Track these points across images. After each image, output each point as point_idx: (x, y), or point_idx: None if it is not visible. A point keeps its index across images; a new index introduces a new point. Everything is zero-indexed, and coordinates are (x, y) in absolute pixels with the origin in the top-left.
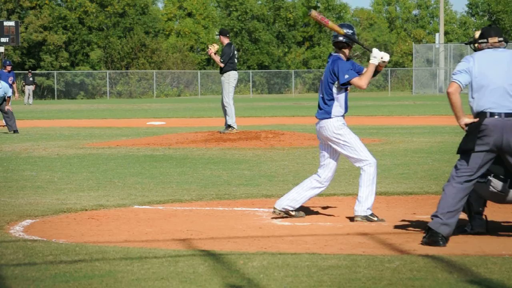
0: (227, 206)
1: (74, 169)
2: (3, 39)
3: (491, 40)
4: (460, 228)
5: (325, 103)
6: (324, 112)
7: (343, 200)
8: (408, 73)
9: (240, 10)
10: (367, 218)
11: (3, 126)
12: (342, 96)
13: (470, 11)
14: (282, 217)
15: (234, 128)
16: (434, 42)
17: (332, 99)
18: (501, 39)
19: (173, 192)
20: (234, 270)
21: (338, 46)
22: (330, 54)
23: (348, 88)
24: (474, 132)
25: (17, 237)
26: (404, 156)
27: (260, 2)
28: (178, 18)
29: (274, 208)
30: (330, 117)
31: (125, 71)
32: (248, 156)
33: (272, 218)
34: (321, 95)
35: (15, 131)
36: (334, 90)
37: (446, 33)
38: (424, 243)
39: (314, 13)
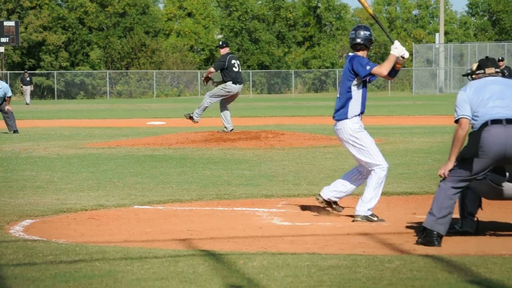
0: (227, 206)
1: (74, 169)
2: (3, 39)
3: (488, 70)
4: (450, 226)
5: (342, 104)
6: (341, 113)
7: (343, 200)
8: (408, 73)
9: (240, 10)
10: (367, 218)
11: None
12: (360, 94)
13: (470, 11)
14: (325, 206)
15: (229, 129)
16: (434, 42)
17: (350, 98)
18: (498, 70)
19: (173, 192)
20: (234, 270)
21: (356, 48)
22: (348, 55)
23: (367, 83)
24: (476, 138)
25: (17, 237)
26: (404, 156)
27: (260, 2)
28: (178, 18)
29: (319, 195)
30: (346, 118)
31: (125, 71)
32: (248, 156)
33: (323, 206)
34: (338, 96)
35: (15, 131)
36: (353, 87)
37: (446, 33)
38: (419, 243)
39: None
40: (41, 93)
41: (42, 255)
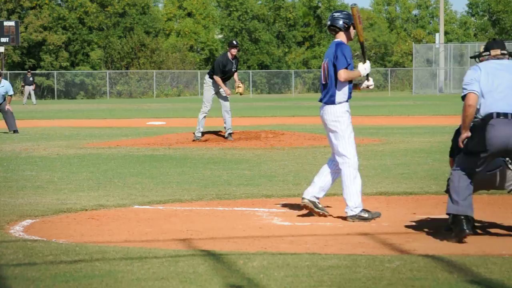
0: (227, 206)
1: (74, 169)
2: (3, 39)
3: (493, 52)
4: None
5: (329, 89)
6: (328, 99)
7: (343, 200)
8: (408, 73)
9: (240, 10)
10: (359, 217)
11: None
12: (345, 83)
13: (470, 11)
14: (308, 208)
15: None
16: (434, 42)
17: (336, 85)
18: (504, 52)
19: (173, 192)
20: (234, 270)
21: (335, 30)
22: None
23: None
24: (481, 132)
25: (17, 237)
26: (404, 156)
27: (260, 2)
28: (178, 18)
29: (303, 198)
30: (334, 104)
31: (125, 71)
32: (248, 156)
33: (304, 208)
34: (323, 82)
35: (15, 131)
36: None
37: (446, 33)
38: (453, 237)
39: (355, 9)
40: (41, 93)
41: (42, 255)
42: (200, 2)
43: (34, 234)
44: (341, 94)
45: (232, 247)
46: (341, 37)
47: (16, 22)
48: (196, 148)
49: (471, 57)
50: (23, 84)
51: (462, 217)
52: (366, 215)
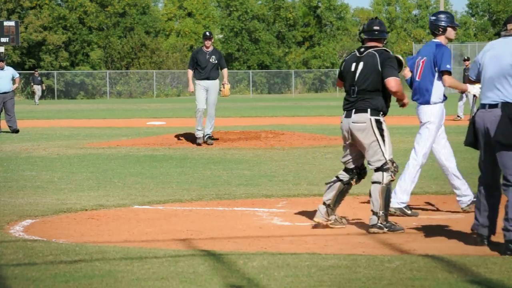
0: (227, 206)
1: (74, 169)
2: (3, 39)
3: (509, 26)
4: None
5: (423, 89)
6: (422, 98)
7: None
8: None
9: (240, 10)
10: (401, 211)
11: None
12: (440, 84)
13: (470, 11)
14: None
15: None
16: None
17: (433, 85)
18: None
19: (173, 192)
20: (234, 270)
21: (434, 33)
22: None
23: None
24: (469, 126)
25: (17, 237)
26: (404, 156)
27: (260, 2)
28: (178, 18)
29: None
30: (429, 104)
31: (125, 71)
32: (248, 156)
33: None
34: (417, 79)
35: (15, 131)
36: (436, 75)
37: None
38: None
39: None
40: (41, 93)
41: (42, 255)
42: (200, 2)
43: (34, 234)
44: (436, 94)
45: (232, 247)
46: (440, 39)
47: (16, 22)
48: (196, 148)
49: (497, 33)
50: (32, 84)
51: (480, 233)
52: (409, 211)
